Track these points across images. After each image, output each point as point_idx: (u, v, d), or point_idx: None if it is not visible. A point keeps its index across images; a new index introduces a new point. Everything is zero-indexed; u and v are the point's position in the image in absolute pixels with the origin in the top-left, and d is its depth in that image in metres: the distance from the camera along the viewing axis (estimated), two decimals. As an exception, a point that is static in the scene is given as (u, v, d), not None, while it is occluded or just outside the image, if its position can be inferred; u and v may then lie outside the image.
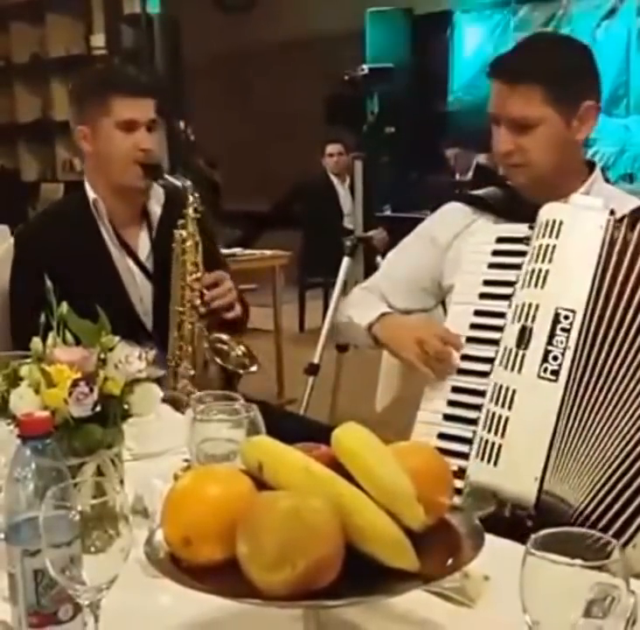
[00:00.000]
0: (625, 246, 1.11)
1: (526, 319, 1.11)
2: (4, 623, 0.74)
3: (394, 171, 5.96)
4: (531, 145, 1.30)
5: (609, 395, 1.07)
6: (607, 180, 1.42)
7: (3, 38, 6.23)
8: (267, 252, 3.86)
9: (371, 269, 2.72)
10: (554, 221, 1.15)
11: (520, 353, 1.10)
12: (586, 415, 1.07)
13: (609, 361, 1.08)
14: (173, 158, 4.98)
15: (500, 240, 1.24)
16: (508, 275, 1.19)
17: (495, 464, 1.08)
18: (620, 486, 1.05)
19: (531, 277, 1.14)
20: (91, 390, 0.87)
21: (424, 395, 1.24)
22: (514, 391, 1.09)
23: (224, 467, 0.84)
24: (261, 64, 6.51)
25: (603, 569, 0.60)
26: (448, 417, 1.19)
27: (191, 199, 1.60)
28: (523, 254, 1.19)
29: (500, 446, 1.08)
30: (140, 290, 1.71)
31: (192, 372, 1.58)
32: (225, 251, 2.52)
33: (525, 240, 1.20)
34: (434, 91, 6.20)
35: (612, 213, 1.14)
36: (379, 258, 2.81)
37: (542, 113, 1.28)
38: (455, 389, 1.20)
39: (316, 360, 2.79)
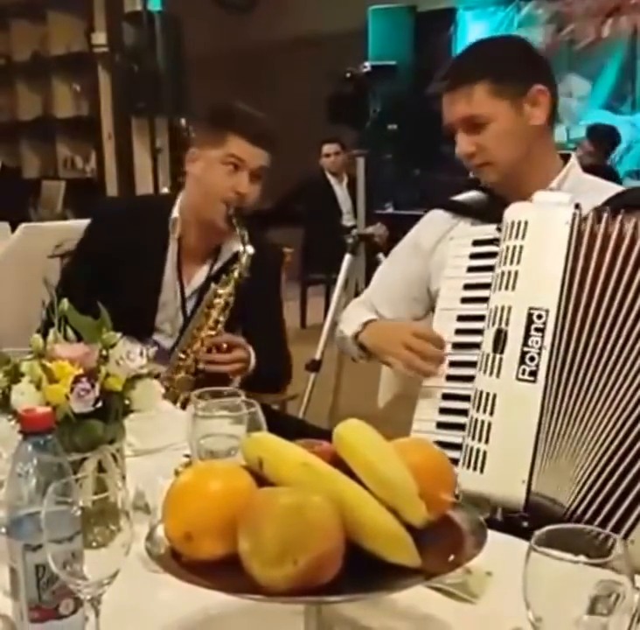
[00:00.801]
0: (593, 239, 1.11)
1: (501, 323, 1.11)
2: (6, 618, 0.74)
3: (397, 168, 5.96)
4: (488, 143, 1.31)
5: (590, 391, 1.06)
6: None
7: (4, 36, 6.22)
8: (269, 249, 3.84)
9: (372, 265, 2.71)
10: (520, 222, 1.15)
11: (497, 357, 1.10)
12: (568, 412, 1.06)
13: (587, 357, 1.07)
14: (175, 157, 4.99)
15: (476, 243, 1.24)
16: (487, 277, 1.19)
17: (481, 471, 1.08)
18: (611, 482, 1.04)
19: (502, 280, 1.14)
20: (92, 386, 0.87)
21: (417, 405, 1.24)
22: (495, 396, 1.09)
23: (224, 463, 0.84)
24: (263, 62, 6.50)
25: (607, 565, 0.59)
26: (441, 425, 1.19)
27: (243, 261, 1.58)
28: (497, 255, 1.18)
29: (485, 453, 1.08)
30: (170, 317, 1.70)
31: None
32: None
33: (494, 241, 1.20)
34: (435, 88, 6.17)
35: (577, 206, 1.13)
36: (380, 255, 2.81)
37: (490, 108, 1.29)
38: (446, 396, 1.19)
39: (317, 357, 2.79)
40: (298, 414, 2.63)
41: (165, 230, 1.68)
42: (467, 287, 1.22)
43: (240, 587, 0.66)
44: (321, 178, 5.29)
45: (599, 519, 1.03)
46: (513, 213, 1.17)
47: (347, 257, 2.89)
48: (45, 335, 0.92)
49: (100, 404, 0.88)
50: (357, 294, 2.46)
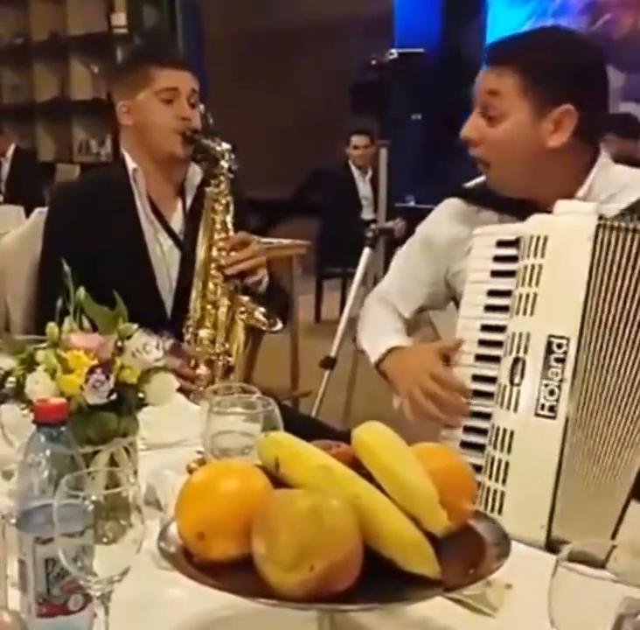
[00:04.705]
0: (615, 254, 1.02)
1: (519, 351, 1.03)
2: (14, 613, 0.72)
3: (420, 160, 5.85)
4: (493, 138, 1.19)
5: (616, 428, 0.99)
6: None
7: (22, 15, 6.19)
8: (285, 241, 3.81)
9: (391, 260, 2.68)
10: (539, 238, 1.06)
11: (515, 389, 1.02)
12: (592, 452, 0.99)
13: (612, 391, 0.99)
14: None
15: (500, 244, 1.15)
16: (512, 283, 1.10)
17: (499, 512, 1.01)
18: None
19: (519, 303, 1.06)
20: (107, 378, 0.86)
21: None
22: (512, 433, 1.02)
23: (240, 462, 0.82)
24: (286, 46, 6.42)
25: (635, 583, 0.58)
26: (464, 444, 1.12)
27: (226, 156, 1.59)
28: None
29: (503, 494, 1.01)
30: (167, 262, 1.67)
31: (213, 334, 1.55)
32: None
33: (518, 243, 1.10)
34: (465, 77, 6.02)
35: (601, 218, 1.04)
36: (398, 250, 2.77)
37: (511, 100, 1.17)
38: (471, 414, 1.13)
39: (332, 354, 2.75)
40: (311, 412, 2.61)
41: (128, 186, 1.67)
42: (491, 294, 1.14)
43: (253, 590, 0.65)
44: (342, 169, 5.19)
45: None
46: (533, 226, 1.08)
47: (366, 251, 2.85)
48: (60, 324, 0.91)
49: (114, 396, 0.87)
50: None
